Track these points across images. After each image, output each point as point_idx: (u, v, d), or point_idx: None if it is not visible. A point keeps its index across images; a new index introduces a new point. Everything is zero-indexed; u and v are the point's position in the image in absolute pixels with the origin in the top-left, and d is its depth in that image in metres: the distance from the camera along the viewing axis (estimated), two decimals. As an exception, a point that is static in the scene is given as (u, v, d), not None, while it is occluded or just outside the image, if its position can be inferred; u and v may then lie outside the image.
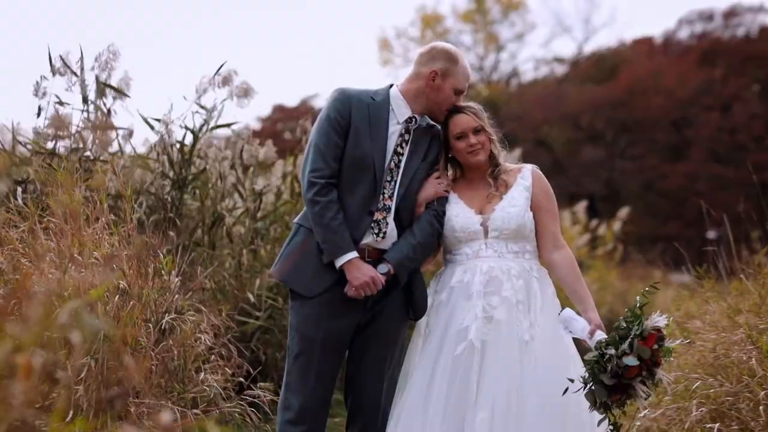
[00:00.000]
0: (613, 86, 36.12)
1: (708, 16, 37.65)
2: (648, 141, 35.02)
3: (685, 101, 34.24)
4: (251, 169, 8.18)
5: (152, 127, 7.32)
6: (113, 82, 6.94)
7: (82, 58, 6.80)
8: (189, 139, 7.48)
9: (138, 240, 5.14)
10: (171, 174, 7.31)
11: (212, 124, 7.56)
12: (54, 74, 6.74)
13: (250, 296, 7.36)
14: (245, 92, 7.56)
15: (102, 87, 6.90)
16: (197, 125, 7.49)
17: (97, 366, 4.41)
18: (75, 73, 6.74)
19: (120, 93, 6.96)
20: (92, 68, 6.84)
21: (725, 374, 5.27)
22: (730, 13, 37.00)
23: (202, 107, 7.47)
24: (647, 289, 4.25)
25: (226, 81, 7.50)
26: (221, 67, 7.50)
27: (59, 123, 6.32)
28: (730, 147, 32.53)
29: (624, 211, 19.04)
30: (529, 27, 43.78)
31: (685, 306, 6.60)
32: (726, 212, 6.89)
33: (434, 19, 43.58)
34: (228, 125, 7.69)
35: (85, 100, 6.79)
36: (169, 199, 7.11)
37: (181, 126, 7.41)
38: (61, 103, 6.71)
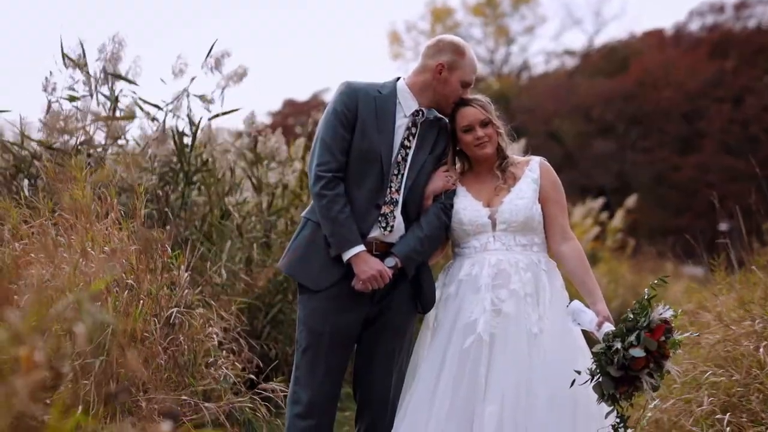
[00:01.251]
0: (623, 79, 36.06)
1: (719, 8, 37.53)
2: (659, 133, 34.96)
3: (696, 93, 34.16)
4: (265, 162, 8.18)
5: (149, 115, 7.26)
6: (120, 73, 6.94)
7: (84, 51, 6.80)
8: (186, 128, 7.42)
9: (142, 234, 5.15)
10: (176, 166, 7.29)
11: (213, 112, 7.46)
12: (67, 66, 6.74)
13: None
14: (240, 76, 7.46)
15: (111, 77, 6.91)
16: (195, 115, 7.43)
17: (105, 360, 4.42)
18: (78, 66, 6.73)
19: (127, 81, 6.95)
20: (98, 59, 6.84)
21: (735, 366, 5.26)
22: (741, 5, 36.87)
23: (206, 99, 7.40)
24: (656, 281, 4.25)
25: (218, 63, 7.40)
26: (212, 48, 7.40)
27: (65, 119, 6.33)
28: (742, 139, 32.42)
29: (632, 200, 18.96)
30: (539, 20, 43.73)
31: (695, 298, 6.58)
32: (737, 204, 6.87)
33: (444, 13, 43.55)
34: (230, 112, 7.58)
35: (92, 93, 6.79)
36: (161, 193, 7.08)
37: (175, 114, 7.34)
38: (72, 98, 6.73)
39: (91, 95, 6.80)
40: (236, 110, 7.58)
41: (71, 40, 6.80)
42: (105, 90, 6.89)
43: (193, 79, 7.33)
